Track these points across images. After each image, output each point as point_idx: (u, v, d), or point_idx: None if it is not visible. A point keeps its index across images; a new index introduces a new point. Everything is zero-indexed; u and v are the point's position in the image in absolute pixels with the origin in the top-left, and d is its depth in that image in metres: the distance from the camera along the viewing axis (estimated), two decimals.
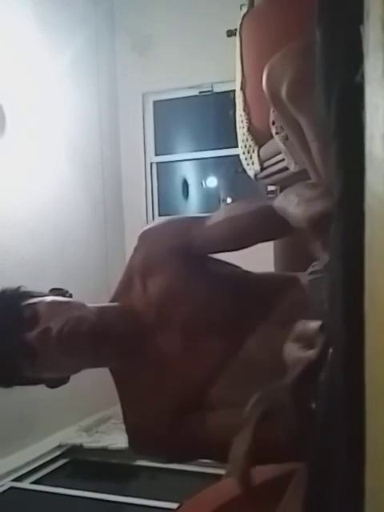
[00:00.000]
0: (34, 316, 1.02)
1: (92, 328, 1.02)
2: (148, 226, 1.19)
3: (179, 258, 1.08)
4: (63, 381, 1.11)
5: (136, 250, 1.14)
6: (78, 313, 1.04)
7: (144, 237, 1.14)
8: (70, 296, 1.15)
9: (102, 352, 1.05)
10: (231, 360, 1.03)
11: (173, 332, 1.06)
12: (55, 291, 1.13)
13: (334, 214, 0.51)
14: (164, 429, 1.02)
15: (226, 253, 1.12)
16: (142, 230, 1.16)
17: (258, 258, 1.61)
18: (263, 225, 1.03)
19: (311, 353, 0.69)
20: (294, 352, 0.77)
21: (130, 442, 1.09)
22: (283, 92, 1.16)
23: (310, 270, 1.10)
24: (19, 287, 1.09)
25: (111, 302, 1.15)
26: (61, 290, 1.15)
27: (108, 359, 1.10)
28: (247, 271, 1.17)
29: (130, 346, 1.07)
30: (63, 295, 1.13)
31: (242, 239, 1.08)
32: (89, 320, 1.03)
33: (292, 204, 0.88)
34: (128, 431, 1.09)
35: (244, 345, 1.04)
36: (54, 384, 1.11)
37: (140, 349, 1.07)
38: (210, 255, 1.14)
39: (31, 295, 1.07)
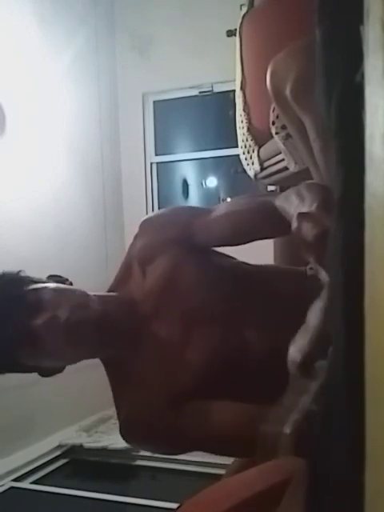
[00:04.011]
0: (39, 302, 0.99)
1: (98, 317, 1.01)
2: (150, 215, 1.18)
3: (180, 249, 1.08)
4: (59, 369, 1.09)
5: (136, 237, 1.13)
6: (83, 301, 1.03)
7: (145, 225, 1.13)
8: (70, 284, 1.13)
9: (105, 341, 1.05)
10: (229, 350, 1.03)
11: (171, 321, 1.06)
12: (54, 278, 1.11)
13: (330, 231, 0.52)
14: (161, 418, 1.02)
15: (226, 247, 1.13)
16: (143, 219, 1.15)
17: (258, 254, 1.60)
18: (264, 222, 1.03)
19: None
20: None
21: (124, 432, 1.07)
22: (287, 90, 1.16)
23: (310, 265, 1.10)
24: (19, 271, 1.06)
25: (110, 289, 1.15)
26: (59, 276, 1.13)
27: (108, 348, 1.09)
28: (247, 263, 1.17)
29: (129, 335, 1.07)
30: (63, 283, 1.11)
31: (243, 235, 1.09)
32: (94, 309, 1.02)
33: (292, 207, 0.88)
34: (123, 422, 1.07)
35: (243, 335, 1.04)
36: (47, 373, 1.08)
37: (138, 337, 1.07)
38: (211, 248, 1.14)
39: (31, 280, 1.05)
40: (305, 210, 0.84)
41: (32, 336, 0.97)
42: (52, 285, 1.05)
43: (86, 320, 1.00)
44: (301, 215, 0.82)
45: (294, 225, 0.83)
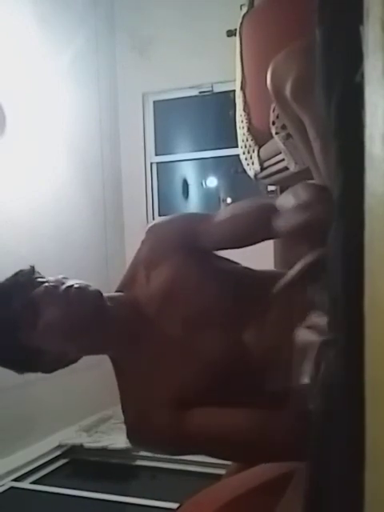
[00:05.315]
0: (55, 290, 1.04)
1: (100, 298, 1.05)
2: (157, 221, 1.22)
3: (184, 253, 1.11)
4: (59, 363, 1.11)
5: (143, 242, 1.16)
6: (96, 291, 1.07)
7: (152, 230, 1.17)
8: None
9: (104, 333, 1.07)
10: (230, 353, 1.04)
11: (173, 324, 1.08)
12: None
13: (322, 222, 0.52)
14: (165, 420, 1.03)
15: (228, 250, 1.14)
16: (150, 224, 1.19)
17: (259, 256, 1.61)
18: (265, 224, 1.04)
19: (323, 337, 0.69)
20: (306, 336, 0.77)
21: (129, 432, 1.08)
22: (287, 90, 1.16)
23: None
24: (32, 267, 1.11)
25: (116, 292, 1.18)
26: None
27: (108, 344, 1.11)
28: (248, 268, 1.19)
29: (131, 334, 1.09)
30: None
31: (245, 238, 1.10)
32: (98, 291, 1.06)
33: (289, 205, 0.90)
34: (128, 422, 1.08)
35: (243, 339, 1.05)
36: (48, 368, 1.11)
37: (140, 338, 1.09)
38: (214, 252, 1.16)
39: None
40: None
41: (32, 306, 1.01)
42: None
43: (87, 291, 1.04)
44: (295, 208, 0.85)
45: (290, 218, 0.85)
